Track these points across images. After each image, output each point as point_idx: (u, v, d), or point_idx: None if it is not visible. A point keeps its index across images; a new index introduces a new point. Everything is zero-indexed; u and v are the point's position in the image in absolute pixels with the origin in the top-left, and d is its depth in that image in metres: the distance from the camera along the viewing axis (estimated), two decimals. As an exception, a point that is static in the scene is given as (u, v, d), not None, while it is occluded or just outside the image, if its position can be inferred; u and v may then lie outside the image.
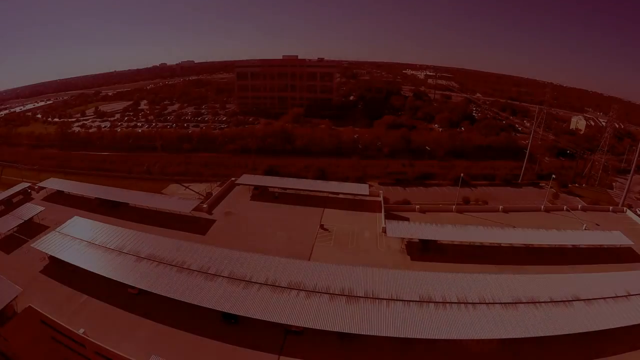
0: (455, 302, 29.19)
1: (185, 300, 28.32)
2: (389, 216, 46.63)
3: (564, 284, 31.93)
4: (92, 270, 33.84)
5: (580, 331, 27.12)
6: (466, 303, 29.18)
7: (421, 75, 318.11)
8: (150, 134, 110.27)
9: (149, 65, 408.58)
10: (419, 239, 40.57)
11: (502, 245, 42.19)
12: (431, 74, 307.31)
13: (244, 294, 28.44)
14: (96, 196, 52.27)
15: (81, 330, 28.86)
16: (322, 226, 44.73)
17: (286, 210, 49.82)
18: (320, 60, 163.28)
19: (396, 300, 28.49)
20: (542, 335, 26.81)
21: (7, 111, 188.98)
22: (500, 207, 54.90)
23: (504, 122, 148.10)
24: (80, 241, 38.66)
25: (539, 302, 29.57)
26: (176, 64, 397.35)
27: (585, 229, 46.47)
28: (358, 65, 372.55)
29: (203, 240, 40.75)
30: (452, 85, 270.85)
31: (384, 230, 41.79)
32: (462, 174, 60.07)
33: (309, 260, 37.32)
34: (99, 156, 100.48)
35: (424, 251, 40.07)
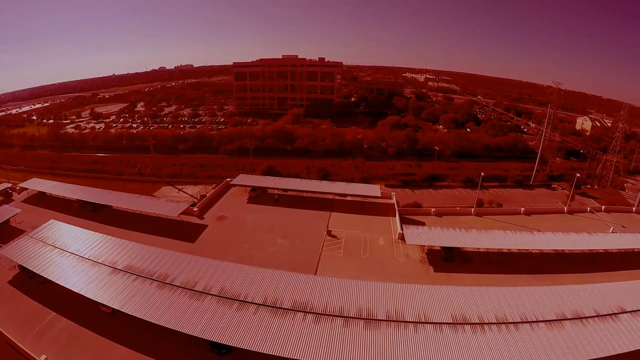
0: (495, 323, 24.37)
1: (165, 325, 22.93)
2: (403, 220, 41.51)
3: (606, 294, 28.18)
4: (60, 283, 29.14)
5: (634, 349, 23.29)
6: (507, 323, 24.47)
7: (421, 78, 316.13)
8: (145, 135, 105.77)
9: (148, 69, 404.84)
10: (441, 247, 35.37)
11: (530, 251, 37.84)
12: (431, 77, 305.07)
13: (238, 318, 22.99)
14: (77, 198, 47.67)
15: (43, 357, 24.08)
16: (329, 232, 39.41)
17: (287, 215, 44.46)
18: (321, 60, 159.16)
19: (425, 322, 23.24)
20: (595, 357, 22.76)
21: (3, 113, 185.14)
22: (522, 209, 50.67)
23: (509, 122, 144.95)
24: (52, 248, 34.09)
25: (585, 318, 25.62)
26: (175, 67, 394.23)
27: (612, 232, 43.20)
28: (358, 68, 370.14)
29: (191, 248, 35.44)
30: (453, 87, 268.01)
31: (401, 237, 36.68)
32: (482, 174, 55.15)
33: (315, 273, 31.92)
34: (91, 157, 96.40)
35: (448, 260, 34.90)
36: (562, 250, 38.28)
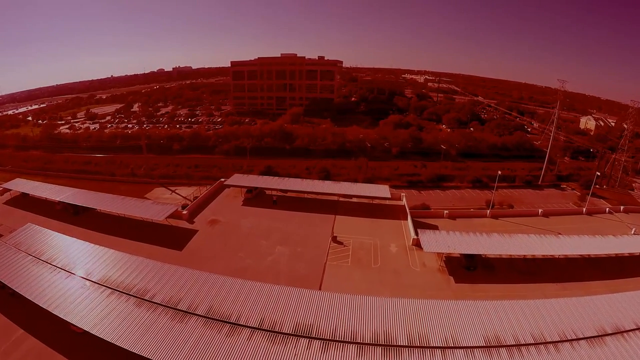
0: (533, 344, 20.72)
1: (140, 353, 18.92)
2: (415, 224, 37.64)
3: (643, 302, 24.57)
4: (27, 296, 25.36)
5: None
6: (545, 343, 20.91)
7: (421, 79, 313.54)
8: (139, 135, 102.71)
9: (147, 71, 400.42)
10: (461, 254, 31.43)
11: (555, 256, 34.40)
12: (430, 78, 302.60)
13: (228, 345, 18.83)
14: (59, 199, 44.06)
15: (3, 384, 20.26)
16: (334, 239, 35.22)
17: (287, 218, 40.44)
18: (321, 58, 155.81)
19: (454, 347, 19.27)
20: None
21: (0, 114, 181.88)
22: (540, 210, 47.34)
23: (513, 121, 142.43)
24: (25, 255, 30.36)
25: (626, 331, 22.38)
26: (173, 68, 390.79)
27: (634, 233, 40.47)
28: (357, 70, 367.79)
29: (178, 257, 31.28)
30: (453, 88, 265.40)
31: (415, 243, 32.71)
32: (499, 172, 51.43)
33: (320, 288, 27.73)
34: (83, 158, 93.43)
35: (469, 269, 30.99)
36: (588, 255, 34.90)
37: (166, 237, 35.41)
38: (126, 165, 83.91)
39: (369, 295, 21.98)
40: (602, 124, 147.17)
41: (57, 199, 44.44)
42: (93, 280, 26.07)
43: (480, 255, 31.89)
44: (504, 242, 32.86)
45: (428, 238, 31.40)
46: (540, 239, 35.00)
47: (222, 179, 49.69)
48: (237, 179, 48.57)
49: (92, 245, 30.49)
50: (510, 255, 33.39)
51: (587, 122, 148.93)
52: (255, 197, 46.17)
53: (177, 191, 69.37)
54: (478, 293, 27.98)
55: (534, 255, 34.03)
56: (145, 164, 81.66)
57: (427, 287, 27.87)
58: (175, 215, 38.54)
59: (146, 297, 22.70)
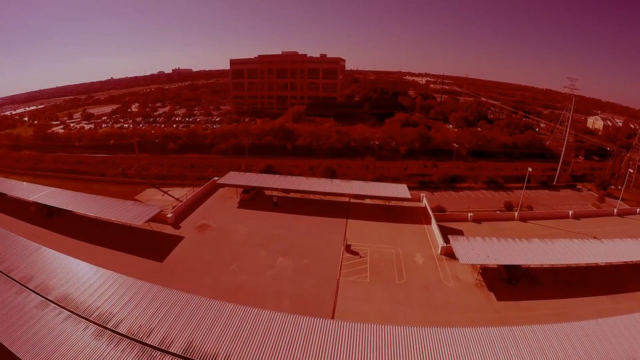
0: None
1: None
2: (441, 229, 32.37)
3: None
4: None
5: None
6: None
7: (422, 80, 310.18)
8: (134, 133, 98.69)
9: (147, 73, 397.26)
10: (500, 265, 26.18)
11: (600, 264, 30.28)
12: (432, 80, 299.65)
13: (210, 402, 13.72)
14: (33, 199, 39.38)
15: None
16: (347, 248, 29.59)
17: (290, 223, 35.03)
18: (323, 56, 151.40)
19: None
20: None
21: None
22: (570, 212, 42.31)
23: (522, 120, 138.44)
24: None
25: None
26: (172, 70, 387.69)
27: None
28: (358, 72, 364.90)
29: (157, 271, 26.02)
30: (456, 89, 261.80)
31: (445, 252, 27.48)
32: (529, 169, 46.48)
33: (333, 312, 21.93)
34: (75, 157, 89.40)
35: (511, 282, 25.80)
36: (632, 261, 30.40)
37: (147, 245, 30.13)
38: (118, 165, 79.98)
39: (399, 325, 16.54)
40: (610, 123, 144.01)
41: (31, 199, 39.86)
42: (50, 299, 21.10)
43: (519, 265, 26.79)
44: (548, 249, 27.78)
45: (462, 246, 26.01)
46: (583, 244, 30.37)
47: (215, 178, 44.32)
48: (233, 177, 42.93)
49: (56, 253, 25.56)
50: (553, 264, 28.50)
51: (595, 122, 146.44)
52: (253, 199, 40.96)
53: (169, 192, 64.72)
54: (525, 312, 22.99)
55: (577, 263, 29.34)
56: (137, 164, 77.19)
57: (466, 308, 22.68)
58: (158, 218, 33.30)
59: (109, 325, 17.47)
